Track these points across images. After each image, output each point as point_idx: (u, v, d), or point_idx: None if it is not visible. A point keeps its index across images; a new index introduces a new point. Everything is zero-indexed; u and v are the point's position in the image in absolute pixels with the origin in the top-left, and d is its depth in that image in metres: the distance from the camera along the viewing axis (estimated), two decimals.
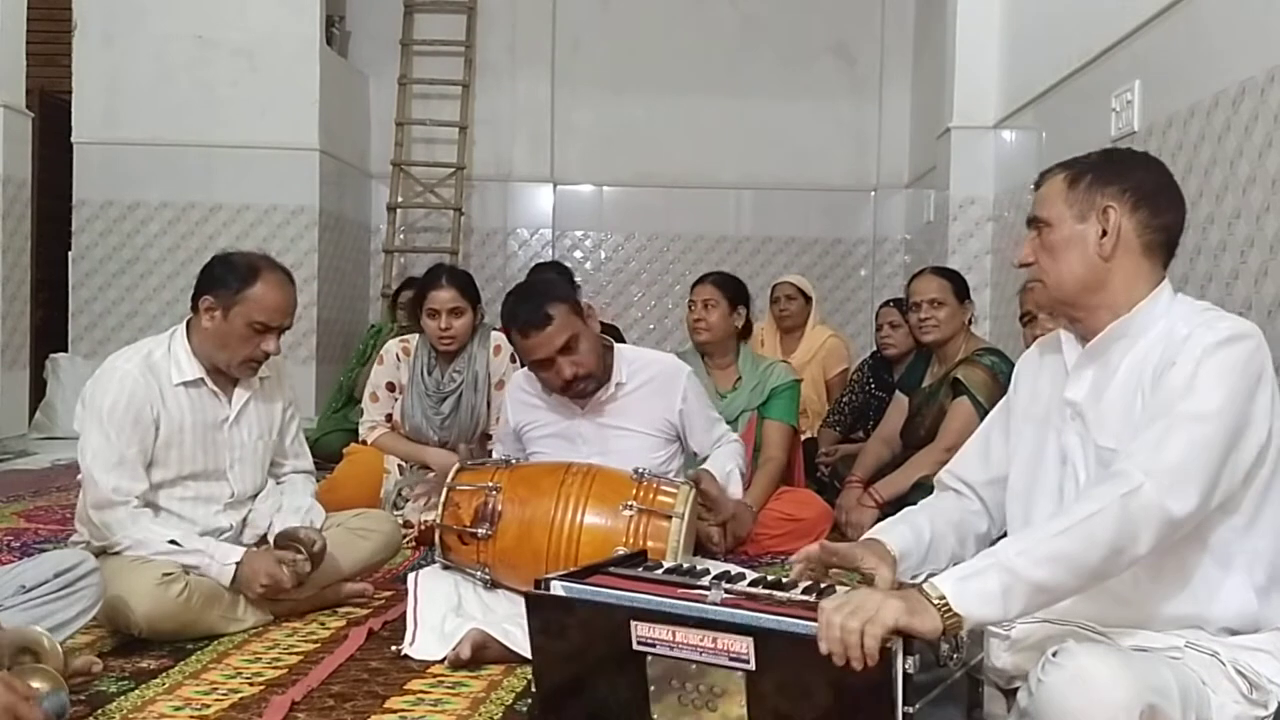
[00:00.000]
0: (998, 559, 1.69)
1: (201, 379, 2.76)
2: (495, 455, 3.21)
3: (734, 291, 4.16)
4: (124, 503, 2.63)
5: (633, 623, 1.82)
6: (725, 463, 3.19)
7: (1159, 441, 1.73)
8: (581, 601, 1.92)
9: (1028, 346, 3.12)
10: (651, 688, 1.83)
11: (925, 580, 1.71)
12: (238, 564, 2.65)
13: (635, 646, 1.82)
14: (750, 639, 1.73)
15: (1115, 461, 1.78)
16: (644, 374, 3.12)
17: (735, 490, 3.20)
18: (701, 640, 1.77)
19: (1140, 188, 1.90)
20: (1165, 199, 1.92)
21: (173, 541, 2.63)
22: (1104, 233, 1.88)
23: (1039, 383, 2.05)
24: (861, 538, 2.08)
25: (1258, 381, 1.77)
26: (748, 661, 1.74)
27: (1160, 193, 1.92)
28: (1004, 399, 2.16)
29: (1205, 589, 1.81)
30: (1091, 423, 1.90)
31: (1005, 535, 2.06)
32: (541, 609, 1.94)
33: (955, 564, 2.04)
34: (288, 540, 2.74)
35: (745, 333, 4.22)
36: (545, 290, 3.04)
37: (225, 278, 2.72)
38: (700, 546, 3.13)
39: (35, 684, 1.92)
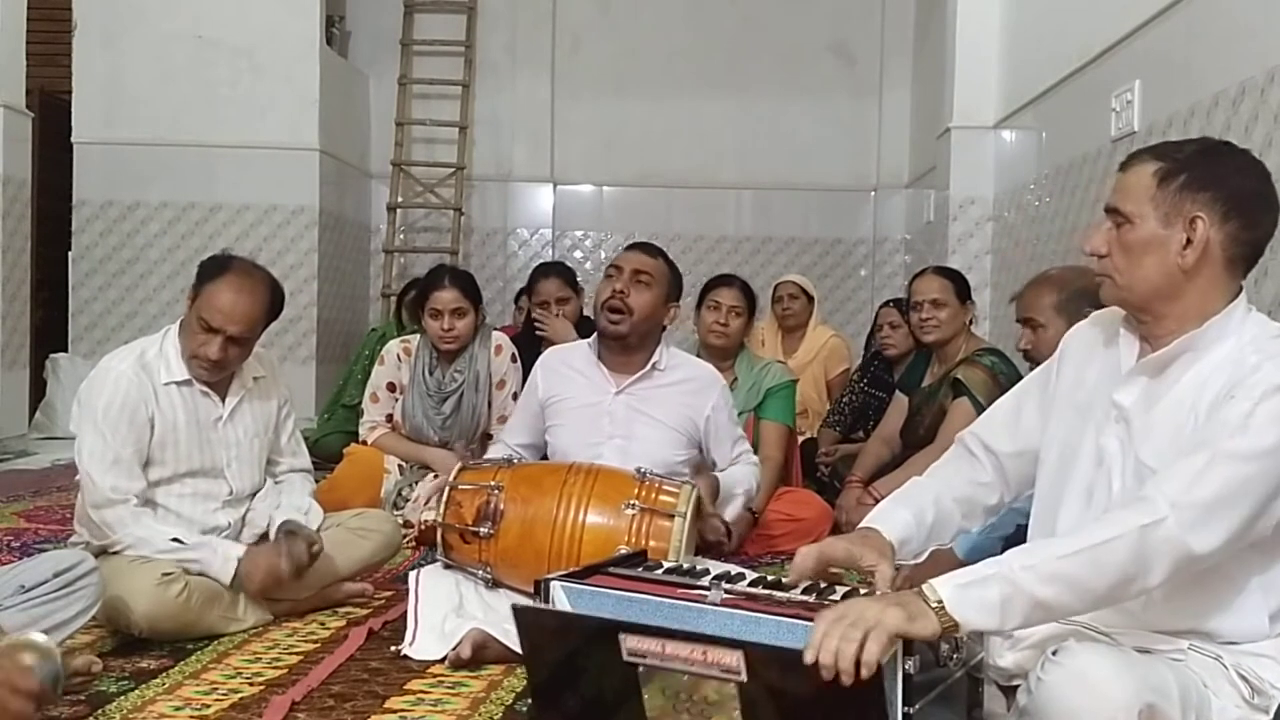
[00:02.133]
0: (1002, 570, 1.65)
1: (190, 379, 2.76)
2: (496, 453, 3.22)
3: (753, 302, 4.24)
4: (123, 501, 2.63)
5: (621, 635, 1.80)
6: (736, 485, 3.22)
7: (1197, 475, 1.65)
8: (569, 615, 1.90)
9: (1026, 347, 3.13)
10: (645, 696, 1.82)
11: (925, 583, 1.69)
12: (239, 560, 2.66)
13: (626, 658, 1.81)
14: (740, 652, 1.70)
15: (1150, 482, 1.71)
16: (683, 372, 3.19)
17: (731, 512, 3.22)
18: (691, 653, 1.74)
19: (1235, 197, 1.77)
20: (1260, 209, 1.79)
21: (175, 540, 2.63)
22: (1188, 242, 1.76)
23: (1087, 370, 1.95)
24: (860, 524, 2.03)
25: None
26: (739, 674, 1.72)
27: (1255, 202, 1.79)
28: (1043, 368, 2.05)
29: (1217, 609, 1.77)
30: (1136, 432, 1.81)
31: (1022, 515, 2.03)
32: (529, 622, 1.92)
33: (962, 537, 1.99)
34: (288, 532, 2.74)
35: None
36: (667, 254, 3.26)
37: (204, 271, 2.76)
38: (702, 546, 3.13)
39: (26, 657, 1.92)
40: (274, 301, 2.78)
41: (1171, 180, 1.77)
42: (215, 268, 2.74)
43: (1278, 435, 1.65)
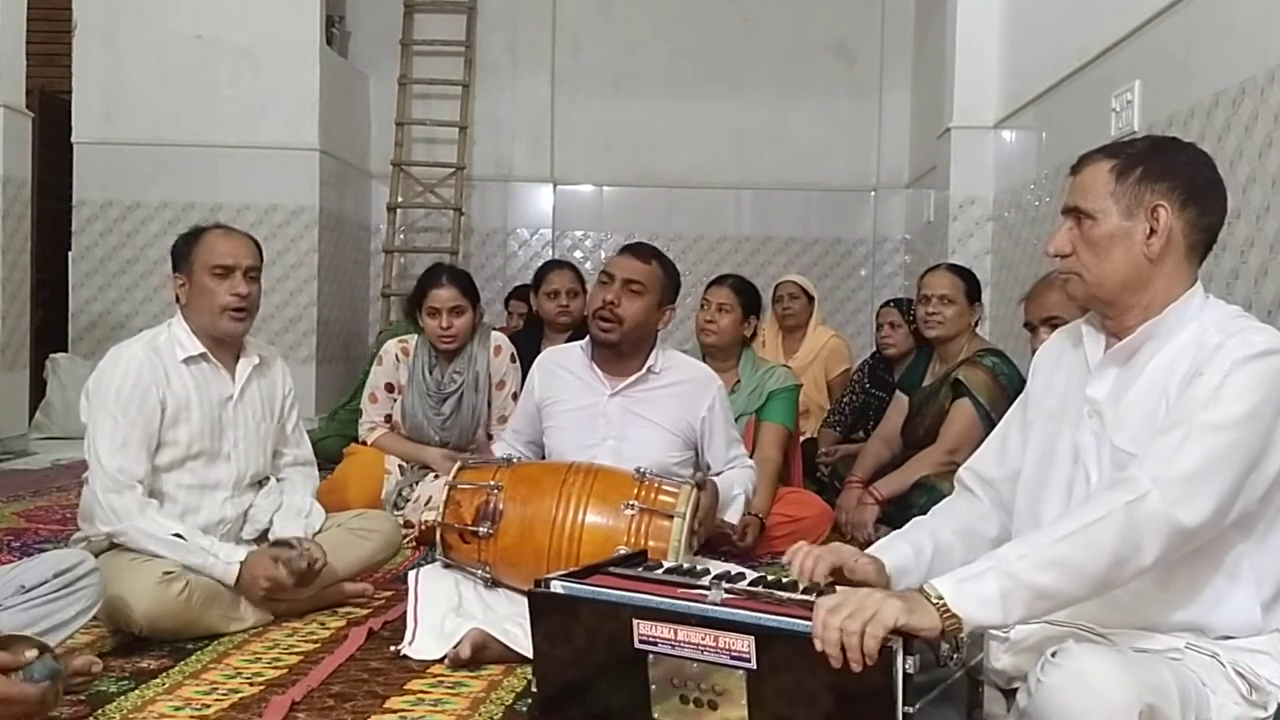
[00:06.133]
0: (998, 563, 1.67)
1: (204, 354, 2.80)
2: (497, 452, 3.22)
3: (750, 300, 4.17)
4: (130, 486, 2.63)
5: (635, 621, 1.82)
6: (734, 486, 3.19)
7: (1174, 450, 1.70)
8: (584, 600, 1.92)
9: (1034, 352, 3.13)
10: (653, 687, 1.83)
11: (926, 582, 1.70)
12: (241, 564, 2.66)
13: (637, 645, 1.82)
14: (752, 638, 1.73)
15: (1131, 464, 1.75)
16: (678, 373, 3.18)
17: (733, 514, 3.21)
18: (703, 639, 1.77)
19: (1190, 184, 1.83)
20: (1212, 196, 1.86)
21: (178, 535, 2.64)
22: (1152, 232, 1.81)
23: (1055, 376, 2.01)
24: (863, 553, 2.05)
25: None
26: (749, 660, 1.74)
27: (1208, 190, 1.85)
28: (1021, 394, 2.12)
29: (1212, 600, 1.79)
30: (1110, 423, 1.86)
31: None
32: (545, 608, 1.94)
33: None
34: (280, 542, 2.77)
35: (749, 338, 4.23)
36: (663, 254, 3.25)
37: (179, 250, 2.86)
38: (705, 546, 3.13)
39: (27, 652, 1.91)
40: (255, 240, 2.92)
41: (1129, 174, 1.84)
42: (191, 235, 2.87)
43: (1249, 404, 1.70)
